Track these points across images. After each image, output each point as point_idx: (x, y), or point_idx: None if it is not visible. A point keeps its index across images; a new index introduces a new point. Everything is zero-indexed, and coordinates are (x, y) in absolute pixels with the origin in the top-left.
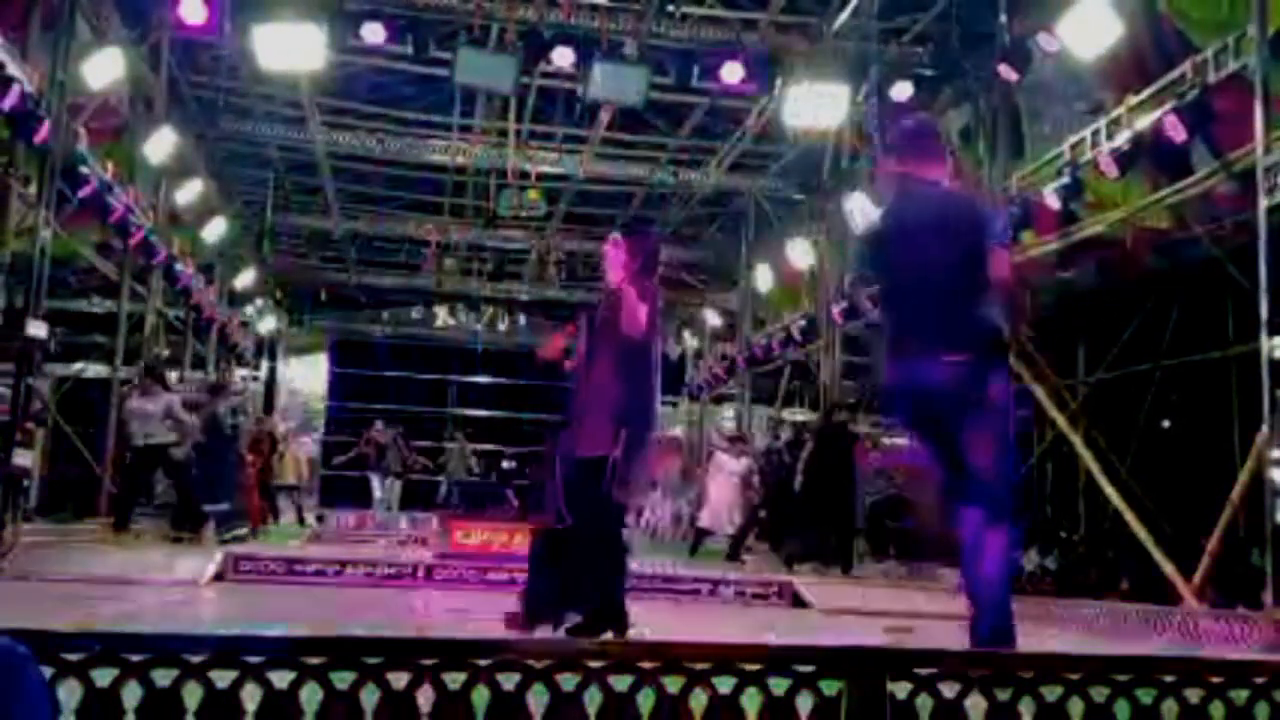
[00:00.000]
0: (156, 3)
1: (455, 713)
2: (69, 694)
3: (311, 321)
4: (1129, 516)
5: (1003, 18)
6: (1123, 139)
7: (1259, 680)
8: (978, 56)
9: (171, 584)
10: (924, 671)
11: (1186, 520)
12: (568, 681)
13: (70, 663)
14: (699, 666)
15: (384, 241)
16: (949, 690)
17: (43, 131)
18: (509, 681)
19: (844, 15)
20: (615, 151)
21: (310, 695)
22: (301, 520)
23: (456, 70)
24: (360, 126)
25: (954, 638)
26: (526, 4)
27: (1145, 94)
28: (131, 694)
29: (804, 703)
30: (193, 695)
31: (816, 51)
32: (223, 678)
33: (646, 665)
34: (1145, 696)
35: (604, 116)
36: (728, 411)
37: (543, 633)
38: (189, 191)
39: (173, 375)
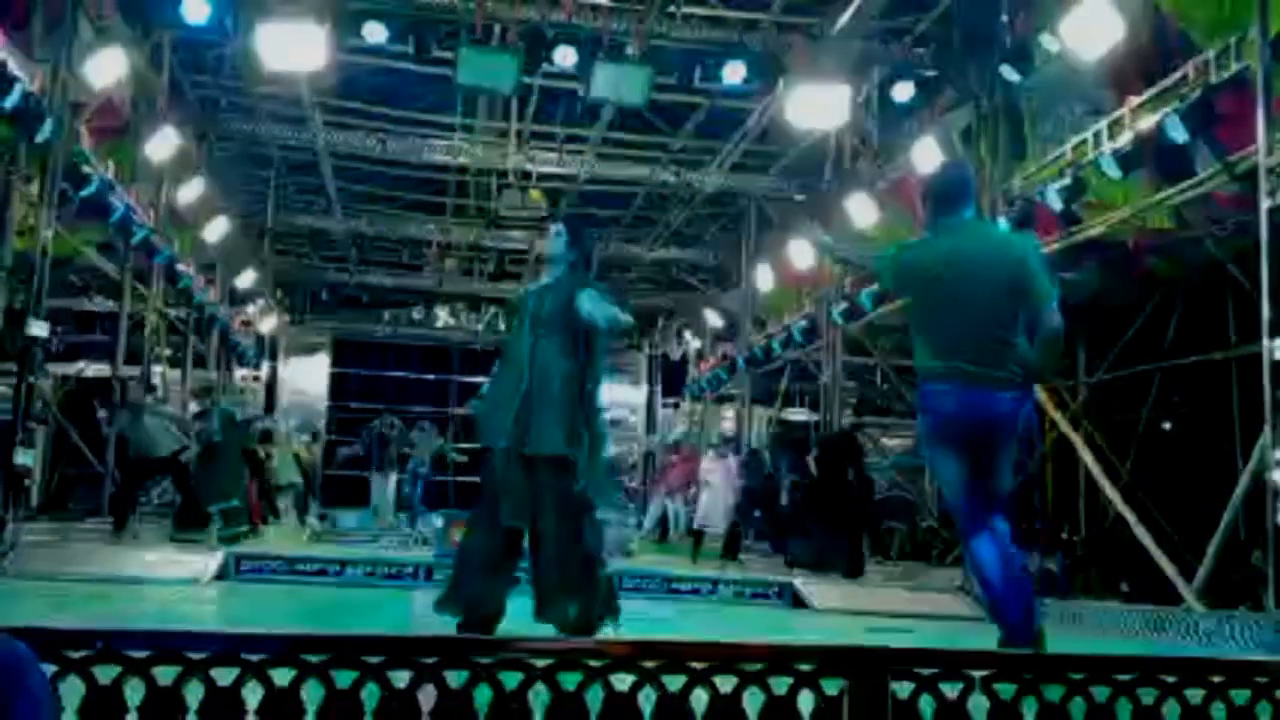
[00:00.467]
0: (159, 2)
1: (456, 711)
2: (71, 691)
3: (312, 321)
4: (1130, 518)
5: (1005, 18)
6: (1124, 140)
7: (1260, 680)
8: (979, 57)
9: (173, 583)
10: (926, 671)
11: (1187, 521)
12: (569, 680)
13: (72, 660)
14: (700, 666)
15: (385, 241)
16: (951, 690)
17: (45, 131)
18: (511, 680)
19: (846, 16)
20: (617, 152)
21: (311, 693)
22: (303, 520)
23: (458, 70)
24: (362, 126)
25: (953, 637)
26: (528, 4)
27: (1147, 95)
28: (134, 691)
29: (805, 702)
30: (194, 693)
31: (818, 52)
32: (224, 675)
33: (648, 665)
34: (1147, 696)
35: (605, 116)
36: (728, 412)
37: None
38: (190, 191)
39: (174, 374)
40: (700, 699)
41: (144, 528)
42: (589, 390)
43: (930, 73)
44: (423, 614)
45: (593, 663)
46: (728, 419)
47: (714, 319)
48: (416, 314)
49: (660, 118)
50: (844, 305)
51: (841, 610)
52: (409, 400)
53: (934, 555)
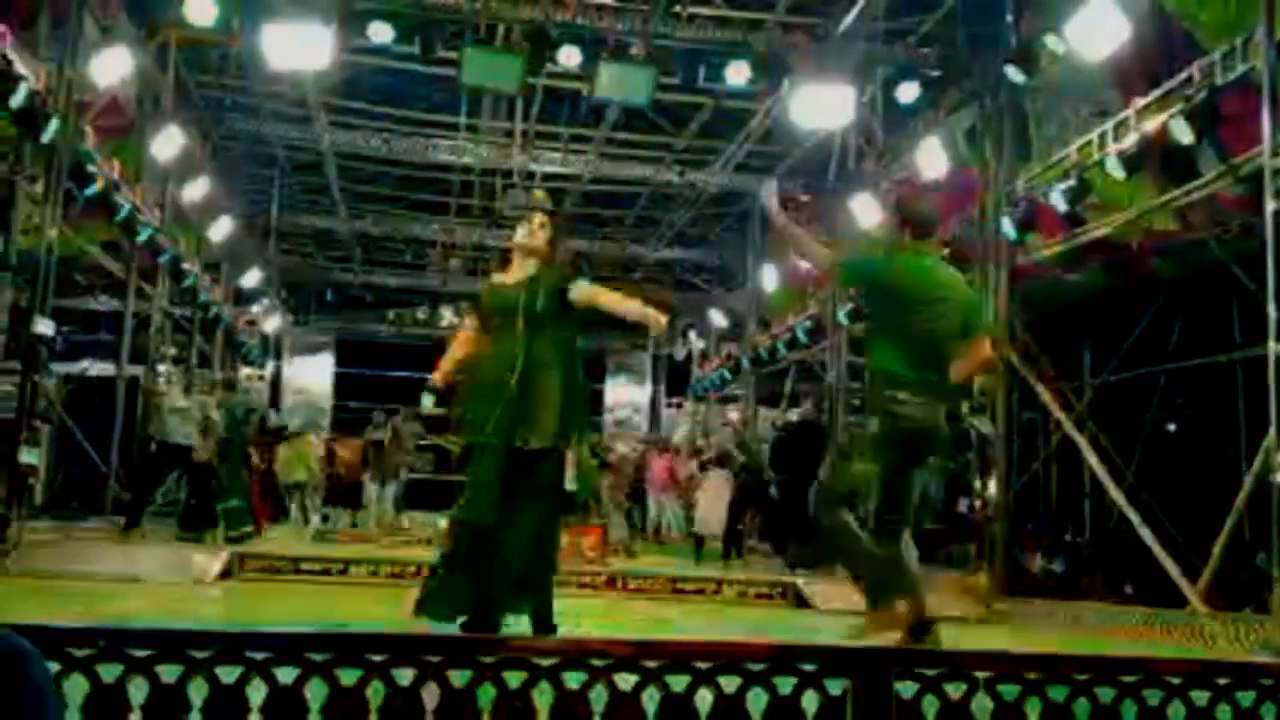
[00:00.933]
0: (165, 2)
1: (460, 710)
2: (75, 689)
3: (316, 321)
4: (1134, 519)
5: (1009, 19)
6: (1130, 141)
7: (1265, 682)
8: (984, 58)
9: (177, 582)
10: (929, 671)
11: (1192, 523)
12: (572, 680)
13: (76, 658)
14: (704, 666)
15: (389, 241)
16: (955, 691)
17: (50, 130)
18: (515, 679)
19: (850, 16)
20: (621, 151)
21: (315, 691)
22: (306, 519)
23: (463, 70)
24: (366, 126)
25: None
26: (533, 4)
27: (1152, 96)
28: (138, 689)
29: (809, 702)
30: (199, 691)
31: (823, 52)
32: (228, 674)
33: (652, 664)
34: (1152, 698)
35: (610, 116)
36: (732, 414)
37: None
38: (195, 190)
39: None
40: (704, 699)
41: (149, 527)
42: (581, 383)
43: (935, 73)
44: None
45: (597, 662)
46: (730, 417)
47: (718, 319)
48: (421, 314)
49: (665, 117)
50: (849, 306)
51: (845, 610)
52: (412, 400)
53: (936, 556)
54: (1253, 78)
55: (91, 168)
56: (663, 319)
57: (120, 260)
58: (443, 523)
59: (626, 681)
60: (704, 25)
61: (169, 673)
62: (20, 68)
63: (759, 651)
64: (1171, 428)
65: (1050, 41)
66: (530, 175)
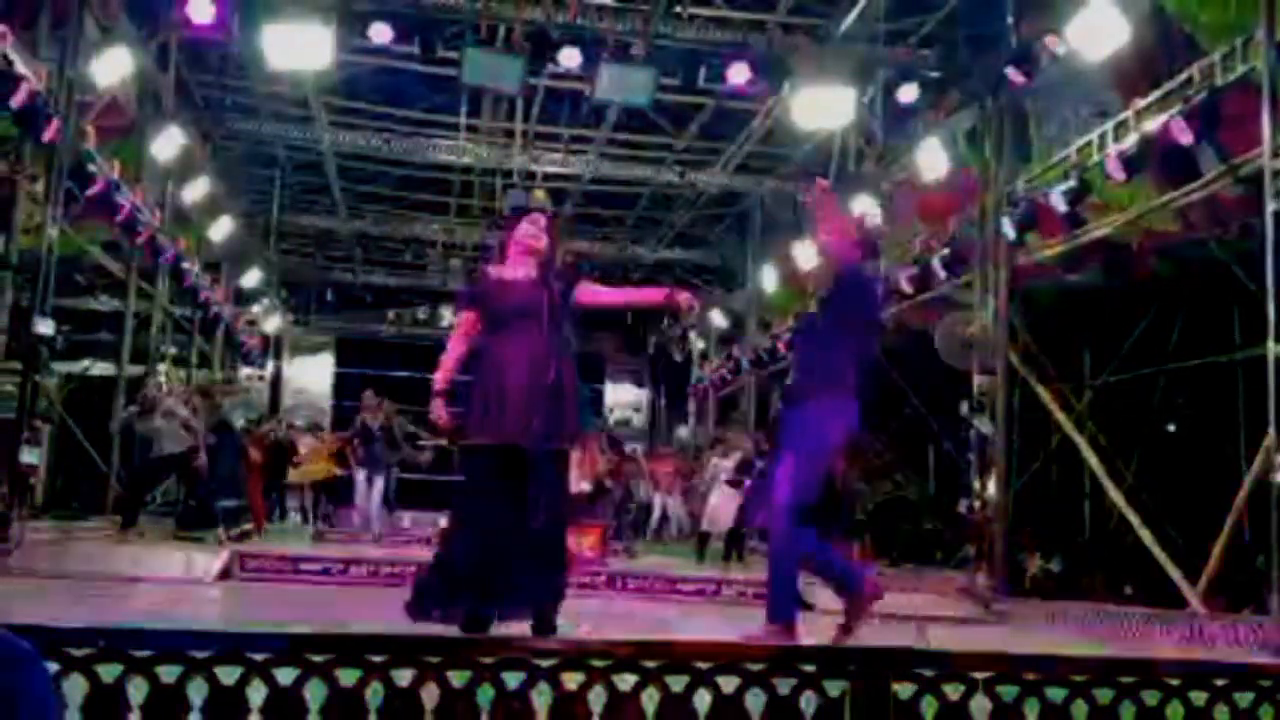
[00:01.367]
0: (165, 2)
1: (459, 710)
2: (74, 689)
3: (317, 321)
4: (1134, 520)
5: (1010, 20)
6: (1130, 142)
7: (1263, 683)
8: (985, 59)
9: (177, 581)
10: (928, 672)
11: (1192, 524)
12: (571, 680)
13: (76, 658)
14: (703, 666)
15: (390, 241)
16: (953, 691)
17: (51, 130)
18: (513, 680)
19: (851, 17)
20: (621, 152)
21: (315, 692)
22: (307, 520)
23: (464, 70)
24: (367, 126)
25: (957, 639)
26: (534, 4)
27: (1152, 97)
28: (137, 690)
29: (808, 702)
30: (198, 691)
31: (823, 53)
32: (228, 674)
33: (651, 665)
34: (1150, 699)
35: (610, 117)
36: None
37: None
38: (196, 190)
39: (180, 373)
40: (703, 699)
41: (148, 527)
42: (579, 383)
43: (935, 74)
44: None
45: (596, 663)
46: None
47: (719, 320)
48: (421, 314)
49: (665, 118)
50: None
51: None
52: (413, 400)
53: (936, 557)
54: (1253, 78)
55: (92, 167)
56: (679, 296)
57: (120, 260)
58: (442, 521)
59: (625, 682)
60: (705, 26)
61: (169, 673)
62: (21, 68)
63: (758, 652)
64: (1171, 428)
65: (1050, 43)
66: (531, 175)
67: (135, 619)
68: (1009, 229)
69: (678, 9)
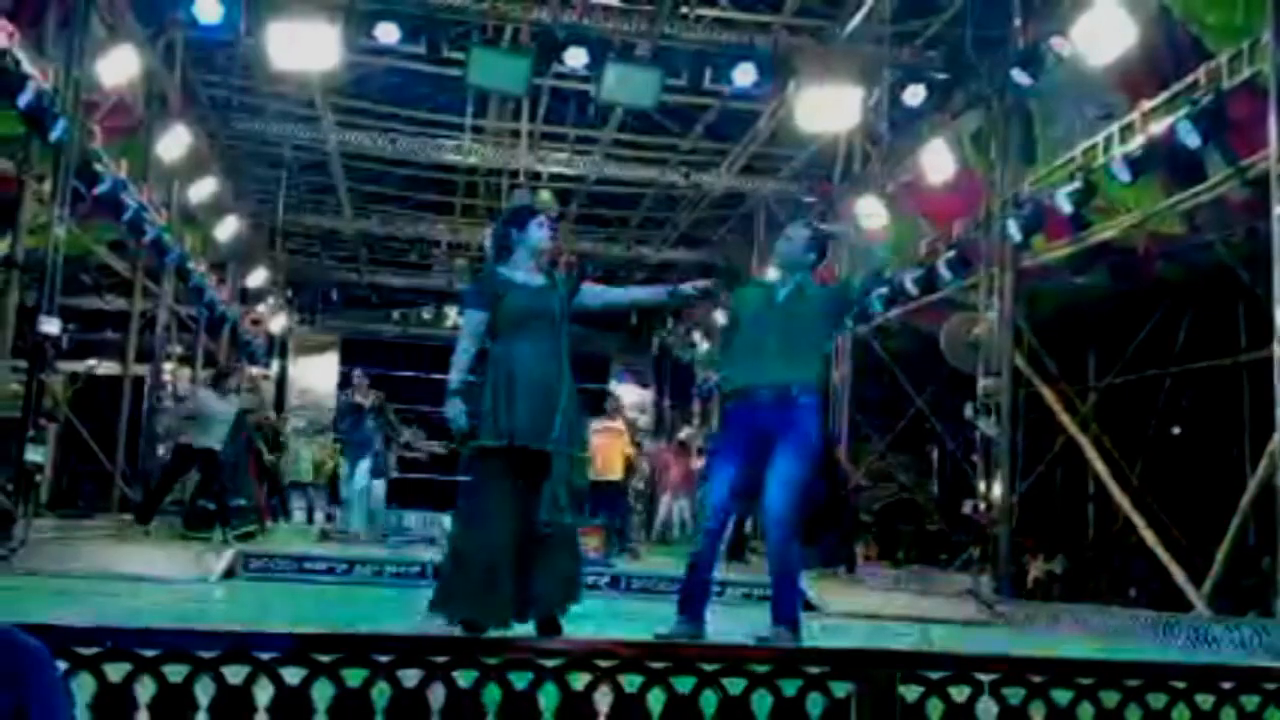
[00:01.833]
0: (171, 1)
1: (466, 711)
2: (82, 688)
3: (322, 320)
4: (1139, 522)
5: (1016, 22)
6: (1136, 144)
7: (1269, 686)
8: (990, 60)
9: (182, 580)
10: (934, 675)
11: (1197, 527)
12: (577, 681)
13: (83, 657)
14: (710, 667)
15: (395, 241)
16: (959, 694)
17: (57, 129)
18: (520, 680)
19: (857, 18)
20: (626, 153)
21: (322, 692)
22: (312, 519)
23: (469, 71)
24: (373, 126)
25: (961, 641)
26: (540, 5)
27: (1159, 99)
28: (145, 689)
29: (814, 705)
30: (205, 691)
31: (829, 54)
32: (235, 673)
33: (657, 666)
34: (1156, 702)
35: (616, 118)
36: None
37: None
38: (202, 190)
39: (185, 372)
40: (709, 701)
41: (153, 526)
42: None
43: (941, 76)
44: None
45: (602, 664)
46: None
47: (723, 320)
48: (426, 314)
49: (670, 119)
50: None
51: (849, 613)
52: (418, 400)
53: (940, 558)
54: (1260, 81)
55: (99, 167)
56: (697, 284)
57: (127, 259)
58: (447, 522)
59: (632, 683)
60: (710, 27)
61: (176, 672)
62: (28, 67)
63: (764, 654)
64: (1176, 431)
65: (1056, 44)
66: (536, 176)
67: (141, 618)
68: (1014, 231)
69: (683, 10)
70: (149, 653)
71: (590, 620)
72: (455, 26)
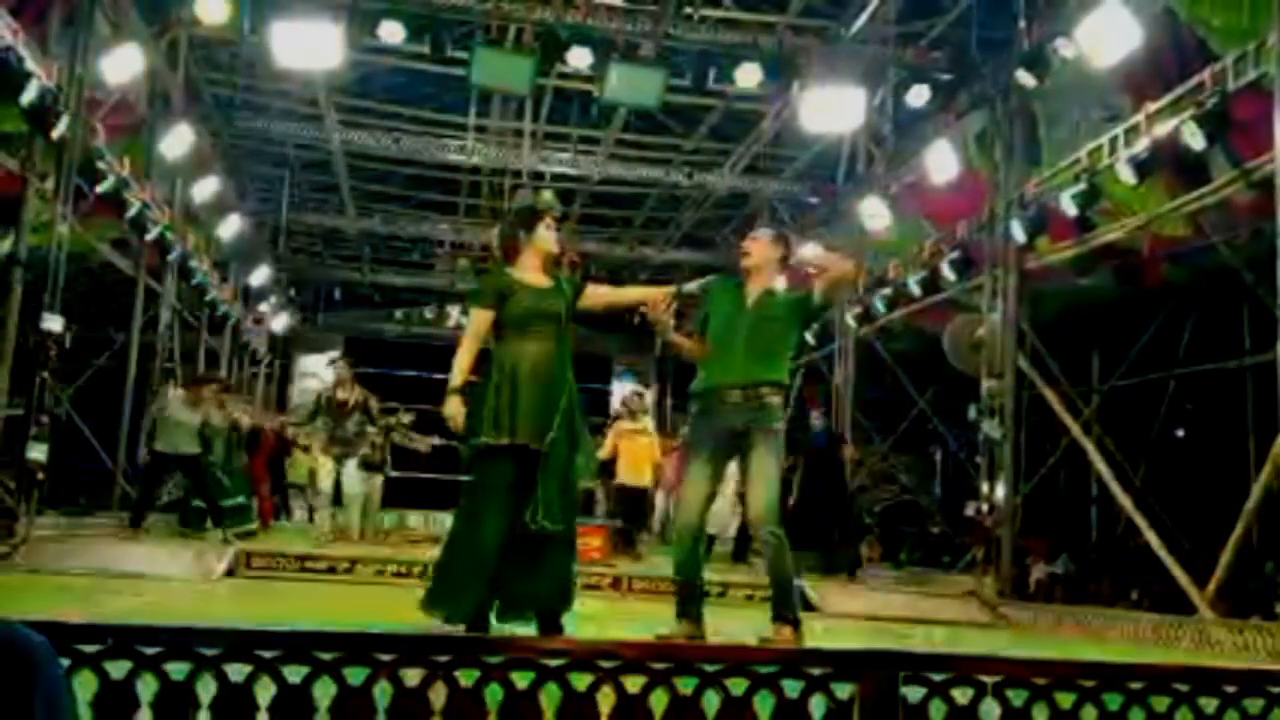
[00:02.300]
0: (176, 0)
1: (468, 710)
2: (84, 686)
3: (325, 320)
4: (1142, 525)
5: (1021, 23)
6: (1141, 146)
7: (1273, 690)
8: (995, 61)
9: (183, 579)
10: (938, 676)
11: (1200, 530)
12: (580, 681)
13: (85, 654)
14: (712, 668)
15: (398, 240)
16: (961, 695)
17: (60, 127)
18: (522, 680)
19: (861, 19)
20: (630, 153)
21: (324, 690)
22: (312, 519)
23: (473, 70)
24: (376, 125)
25: (964, 643)
26: (544, 5)
27: (1164, 101)
28: (146, 686)
29: (817, 706)
30: (207, 689)
31: (833, 55)
32: (237, 672)
33: (660, 666)
34: (1159, 705)
35: (619, 118)
36: None
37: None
38: (205, 188)
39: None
40: (711, 701)
41: (152, 524)
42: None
43: (945, 77)
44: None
45: (605, 664)
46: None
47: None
48: (429, 313)
49: (674, 119)
50: (857, 309)
51: (851, 614)
52: (421, 399)
53: (943, 560)
54: (1265, 83)
55: (102, 165)
56: (663, 289)
57: (129, 257)
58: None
59: (634, 683)
60: (714, 27)
61: (177, 670)
62: (31, 64)
63: (767, 655)
64: (1180, 434)
65: (1061, 45)
66: (539, 176)
67: (142, 616)
68: (1018, 232)
69: (688, 10)
70: (151, 650)
71: (592, 620)
72: (459, 26)
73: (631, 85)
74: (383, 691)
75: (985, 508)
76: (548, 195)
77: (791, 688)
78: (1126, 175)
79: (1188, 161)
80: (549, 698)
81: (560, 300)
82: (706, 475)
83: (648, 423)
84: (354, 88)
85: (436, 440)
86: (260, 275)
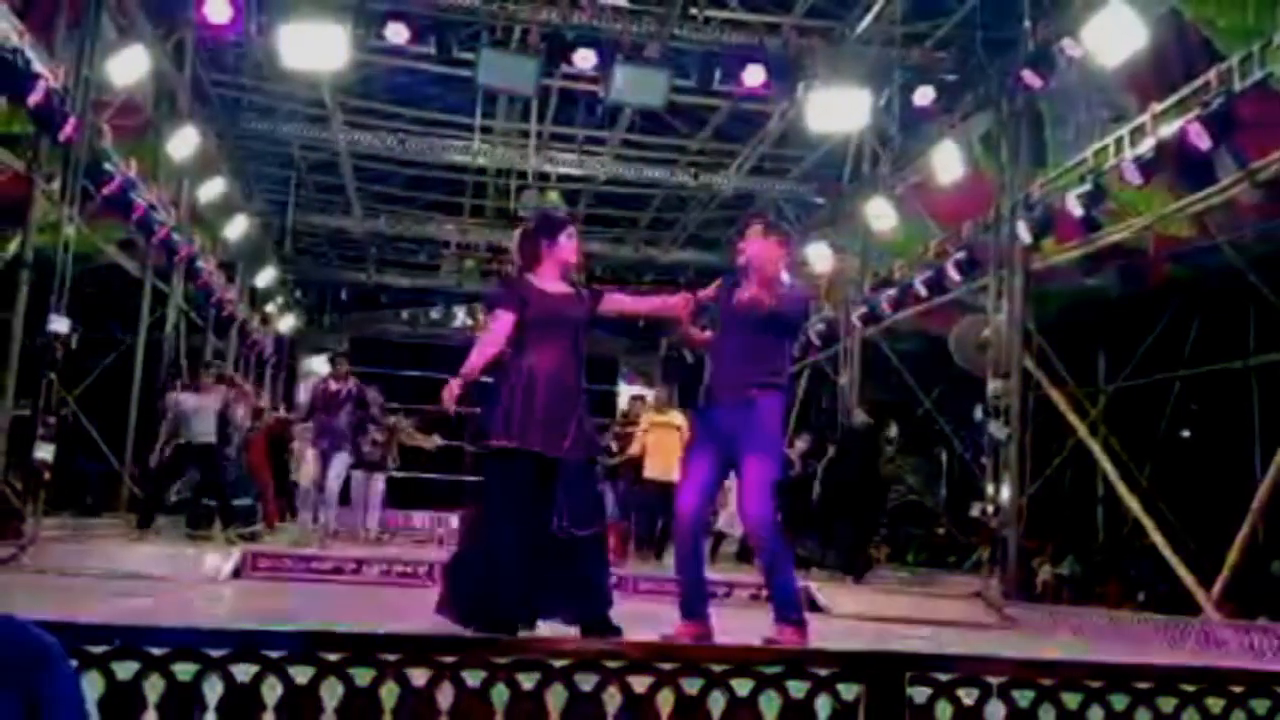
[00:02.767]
0: (182, 2)
1: (474, 710)
2: (91, 686)
3: (331, 320)
4: (1148, 526)
5: (1026, 23)
6: (1146, 146)
7: None
8: (1001, 62)
9: (190, 580)
10: (943, 677)
11: (1206, 530)
12: (585, 681)
13: (93, 655)
14: (718, 669)
15: (404, 241)
16: (967, 696)
17: (67, 128)
18: (528, 680)
19: (867, 19)
20: (635, 153)
21: (331, 691)
22: (316, 520)
23: (479, 71)
24: (382, 126)
25: (970, 644)
26: (549, 6)
27: (1169, 101)
28: (153, 687)
29: (823, 706)
30: (214, 689)
31: (838, 55)
32: (244, 672)
33: (665, 667)
34: (1166, 705)
35: (625, 118)
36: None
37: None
38: (211, 189)
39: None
40: (718, 702)
41: (160, 525)
42: None
43: (951, 77)
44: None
45: (610, 664)
46: None
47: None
48: (435, 314)
49: (679, 120)
50: (863, 309)
51: (856, 615)
52: (426, 400)
53: (949, 561)
54: (1271, 83)
55: (108, 166)
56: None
57: (136, 258)
58: (454, 521)
59: (640, 683)
60: (720, 28)
61: (184, 671)
62: (38, 66)
63: (772, 655)
64: (1186, 433)
65: (1067, 46)
66: (544, 176)
67: (150, 617)
68: (1024, 233)
69: (693, 11)
70: (158, 651)
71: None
72: (464, 27)
73: (637, 86)
74: (389, 692)
75: (991, 509)
76: (553, 196)
77: (797, 688)
78: (1132, 176)
79: (1193, 162)
80: (555, 698)
81: (580, 308)
82: (705, 471)
83: (676, 416)
84: (360, 89)
85: (439, 440)
86: (266, 276)
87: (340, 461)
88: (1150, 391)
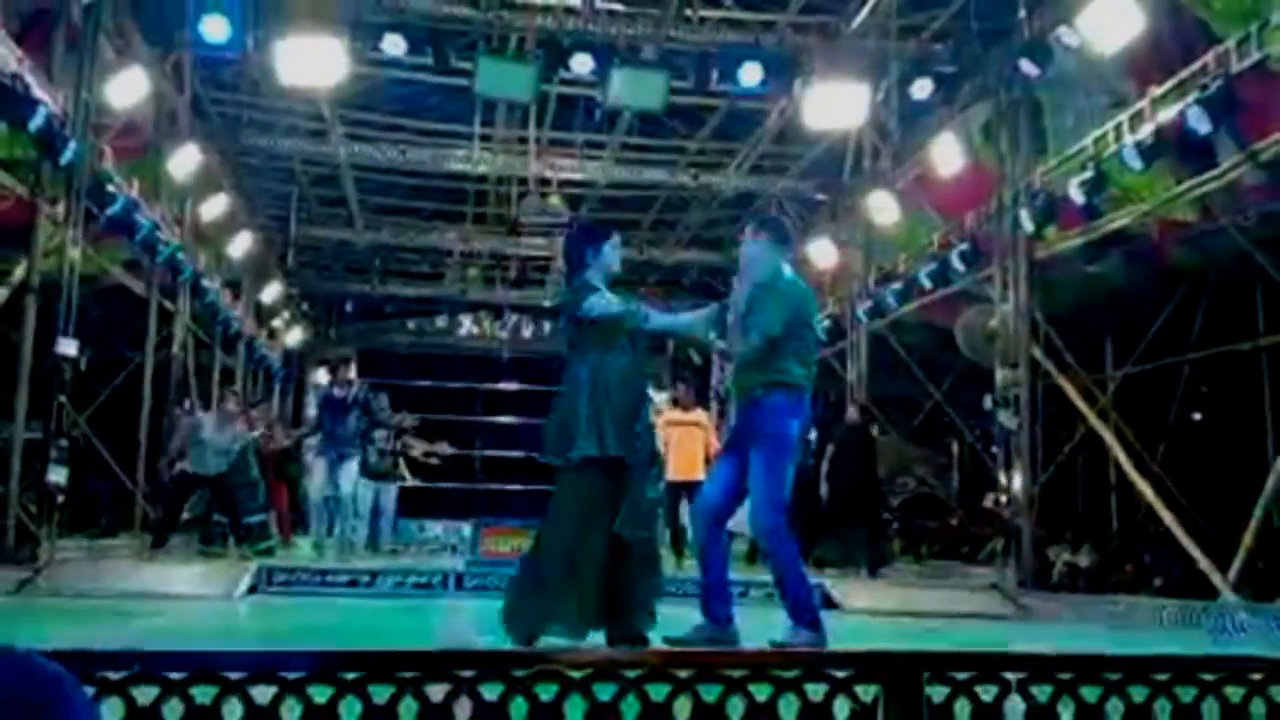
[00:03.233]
0: (179, 22)
1: None
2: (111, 712)
3: (337, 333)
4: (1162, 511)
5: (1022, 13)
6: (1146, 131)
7: None
8: (998, 52)
9: (206, 598)
10: (962, 675)
11: (1220, 514)
12: (604, 691)
13: (111, 682)
14: (736, 674)
15: (407, 251)
16: (986, 693)
17: (69, 151)
18: (546, 692)
19: (863, 14)
20: (635, 156)
21: (350, 709)
22: (330, 532)
23: (477, 80)
24: (382, 138)
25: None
26: (545, 13)
27: (1168, 86)
28: (173, 711)
29: (841, 708)
30: (233, 712)
31: (835, 50)
32: (263, 694)
33: (683, 674)
34: (1185, 695)
35: (624, 122)
36: None
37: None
38: (214, 207)
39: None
40: (736, 708)
41: (173, 544)
42: None
43: (949, 69)
44: (460, 624)
45: (628, 673)
46: None
47: None
48: (440, 323)
49: (678, 121)
50: (869, 304)
51: (872, 611)
52: (434, 409)
53: (962, 552)
54: (1269, 64)
55: (111, 187)
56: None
57: (141, 279)
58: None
59: (659, 692)
60: (715, 28)
61: (204, 694)
62: (38, 91)
63: (790, 659)
64: (1197, 417)
65: (1063, 34)
66: (546, 182)
67: (167, 638)
68: (1027, 222)
69: (688, 12)
70: (176, 675)
71: None
72: (461, 37)
73: (635, 89)
74: (408, 708)
75: (1004, 498)
76: (554, 201)
77: (815, 691)
78: (1133, 161)
79: (1194, 145)
80: (573, 708)
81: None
82: (726, 468)
83: (699, 414)
84: (359, 101)
85: (448, 448)
86: (272, 291)
87: (350, 469)
88: (1159, 376)
